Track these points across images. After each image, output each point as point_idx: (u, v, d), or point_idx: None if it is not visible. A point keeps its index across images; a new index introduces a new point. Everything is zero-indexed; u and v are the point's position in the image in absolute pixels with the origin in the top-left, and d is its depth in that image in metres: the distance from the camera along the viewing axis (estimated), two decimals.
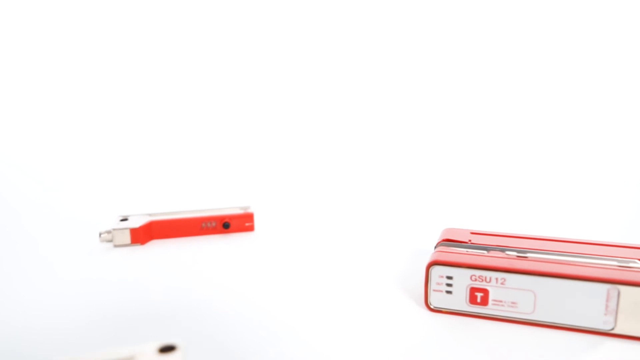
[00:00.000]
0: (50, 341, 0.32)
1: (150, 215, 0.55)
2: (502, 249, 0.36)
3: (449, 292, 0.34)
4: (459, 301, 0.34)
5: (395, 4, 1.01)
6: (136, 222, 0.53)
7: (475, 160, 0.92)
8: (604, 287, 0.31)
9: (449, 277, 0.34)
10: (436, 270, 0.34)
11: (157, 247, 0.51)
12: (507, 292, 0.33)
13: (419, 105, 1.01)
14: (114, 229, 0.51)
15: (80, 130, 0.98)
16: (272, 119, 1.03)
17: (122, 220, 0.53)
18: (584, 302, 0.31)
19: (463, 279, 0.34)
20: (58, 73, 1.00)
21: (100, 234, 0.50)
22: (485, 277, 0.33)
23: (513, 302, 0.33)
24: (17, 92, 0.98)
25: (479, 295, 0.34)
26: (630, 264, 0.33)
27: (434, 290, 0.35)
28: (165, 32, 1.02)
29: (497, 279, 0.33)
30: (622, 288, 0.30)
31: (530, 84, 0.99)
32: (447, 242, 0.38)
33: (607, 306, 0.31)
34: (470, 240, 0.38)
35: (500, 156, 0.93)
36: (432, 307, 0.35)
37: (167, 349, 0.23)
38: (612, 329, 0.31)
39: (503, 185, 0.78)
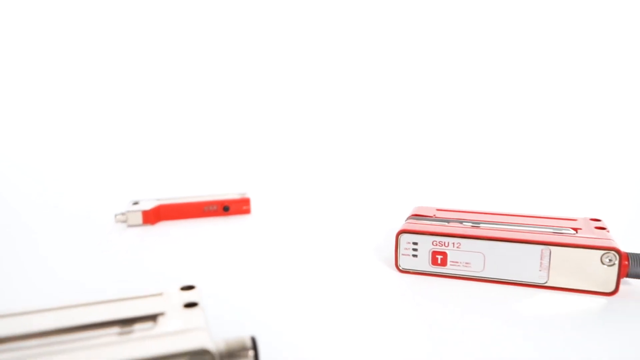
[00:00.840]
0: (82, 292, 0.38)
1: (158, 200, 0.62)
2: (460, 221, 0.43)
3: (414, 255, 0.41)
4: (423, 263, 0.41)
5: None
6: (147, 205, 0.59)
7: (451, 146, 0.99)
8: (538, 248, 0.38)
9: (415, 243, 0.41)
10: (404, 238, 0.41)
11: (166, 227, 0.58)
12: (462, 254, 0.40)
13: (400, 94, 1.08)
14: (127, 211, 0.57)
15: (98, 128, 1.04)
16: (265, 115, 1.09)
17: (134, 204, 0.60)
18: (523, 261, 0.38)
19: (426, 245, 0.40)
20: (63, 68, 1.06)
21: (115, 216, 0.57)
22: (444, 242, 0.40)
23: (467, 263, 0.40)
24: (26, 80, 1.04)
25: (439, 257, 0.40)
26: (563, 231, 0.40)
27: (402, 254, 0.41)
28: (166, 24, 1.08)
29: (453, 243, 0.40)
30: (553, 248, 0.37)
31: (498, 65, 1.06)
32: (415, 216, 0.44)
33: (541, 264, 0.38)
34: (434, 215, 0.45)
35: (475, 142, 1.00)
36: (401, 268, 0.42)
37: (188, 287, 0.29)
38: (546, 282, 0.38)
39: (480, 170, 0.85)
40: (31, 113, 1.04)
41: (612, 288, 0.37)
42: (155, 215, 0.59)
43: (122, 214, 0.57)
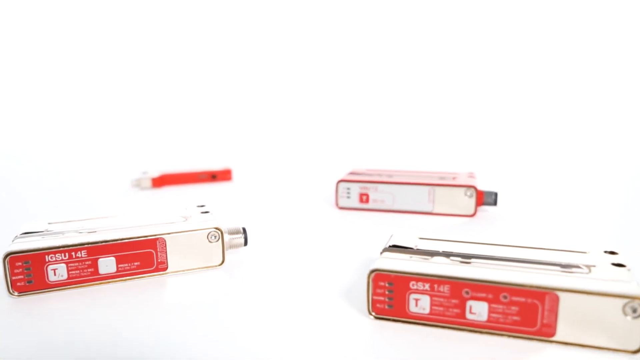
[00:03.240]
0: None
1: (163, 170, 0.80)
2: (380, 174, 0.62)
3: (348, 197, 0.60)
4: (354, 202, 0.60)
5: None
6: (154, 173, 0.77)
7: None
8: (426, 188, 0.57)
9: (348, 188, 0.60)
10: (341, 185, 0.60)
11: (169, 190, 0.76)
12: (378, 194, 0.59)
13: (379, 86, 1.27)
14: (140, 178, 0.75)
15: (118, 115, 1.20)
16: (246, 108, 1.27)
17: (144, 172, 0.77)
18: (418, 197, 0.58)
19: (355, 189, 0.60)
20: (70, 61, 1.21)
21: (131, 181, 0.74)
22: (367, 187, 0.59)
23: (382, 200, 0.59)
24: (41, 68, 1.19)
25: (364, 197, 0.60)
26: (445, 179, 0.60)
27: (340, 196, 0.61)
28: (160, 13, 1.24)
29: (373, 187, 0.59)
30: (436, 188, 0.57)
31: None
32: (351, 173, 0.64)
33: (429, 198, 0.58)
34: (364, 172, 0.64)
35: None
36: (339, 206, 0.61)
37: (201, 206, 0.48)
38: (432, 210, 0.58)
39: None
40: (65, 103, 1.19)
41: (471, 212, 0.57)
42: (160, 181, 0.77)
43: (136, 180, 0.75)
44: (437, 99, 1.22)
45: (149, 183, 0.75)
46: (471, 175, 0.61)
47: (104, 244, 0.38)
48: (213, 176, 0.81)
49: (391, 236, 0.37)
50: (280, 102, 1.27)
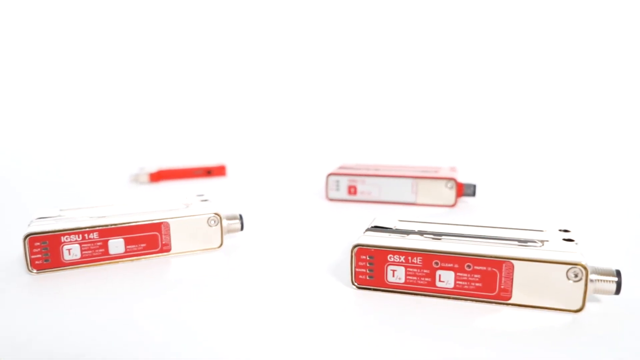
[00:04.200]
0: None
1: (160, 166, 0.84)
2: (367, 168, 0.67)
3: (337, 189, 0.65)
4: (343, 194, 0.65)
5: None
6: (152, 169, 0.81)
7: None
8: (410, 180, 0.62)
9: (337, 181, 0.65)
10: (331, 178, 0.65)
11: (166, 185, 0.80)
12: (365, 186, 0.64)
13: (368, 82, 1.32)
14: (138, 173, 0.79)
15: (118, 114, 1.24)
16: (241, 105, 1.31)
17: (141, 168, 0.82)
18: (402, 189, 0.63)
19: (344, 182, 0.64)
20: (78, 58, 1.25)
21: (129, 176, 0.78)
22: (355, 180, 0.64)
23: (369, 192, 0.64)
24: (45, 65, 1.22)
25: (352, 189, 0.64)
26: (427, 172, 0.64)
27: (330, 189, 0.65)
28: (155, 10, 1.28)
29: (360, 180, 0.64)
30: (419, 180, 0.62)
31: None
32: (341, 167, 0.68)
33: (412, 189, 0.62)
34: (353, 166, 0.69)
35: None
36: (329, 198, 0.66)
37: (200, 195, 0.52)
38: (415, 201, 0.63)
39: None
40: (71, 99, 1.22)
41: (452, 202, 0.62)
42: (158, 176, 0.81)
43: (134, 175, 0.79)
44: (421, 97, 1.27)
45: (146, 178, 0.79)
46: (453, 169, 0.66)
47: (114, 226, 0.42)
48: (208, 172, 0.85)
49: (374, 219, 0.42)
50: (272, 100, 1.31)
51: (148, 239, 0.44)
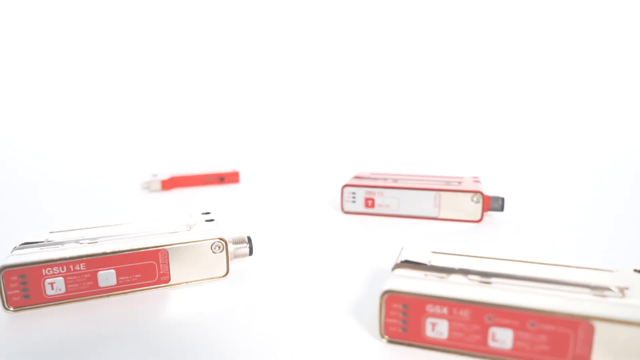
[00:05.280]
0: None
1: (172, 172, 0.75)
2: (385, 178, 0.58)
3: (353, 201, 0.56)
4: (359, 206, 0.56)
5: None
6: (164, 176, 0.72)
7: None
8: (432, 193, 0.53)
9: (354, 193, 0.56)
10: (347, 190, 0.56)
11: (179, 192, 0.71)
12: (384, 199, 0.55)
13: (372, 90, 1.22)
14: (149, 180, 0.70)
15: (126, 120, 1.16)
16: (253, 110, 1.22)
17: (154, 175, 0.73)
18: (423, 202, 0.53)
19: (361, 194, 0.55)
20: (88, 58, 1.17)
21: (141, 184, 0.70)
22: (372, 192, 0.55)
23: (387, 205, 0.55)
24: (57, 67, 1.14)
25: (369, 202, 0.55)
26: (450, 183, 0.55)
27: (345, 201, 0.56)
28: (173, 20, 1.20)
29: (378, 192, 0.55)
30: (442, 193, 0.53)
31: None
32: (356, 177, 0.59)
33: (434, 203, 0.53)
34: (369, 176, 0.59)
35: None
36: (344, 211, 0.57)
37: (206, 213, 0.43)
38: (438, 215, 0.53)
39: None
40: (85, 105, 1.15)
41: (478, 217, 0.52)
42: (170, 184, 0.72)
43: (146, 182, 0.70)
44: (441, 102, 1.17)
45: (158, 185, 0.71)
46: (476, 180, 0.57)
47: (103, 256, 0.34)
48: (221, 178, 0.76)
49: (402, 249, 0.32)
50: (286, 106, 1.22)
51: (144, 268, 0.35)
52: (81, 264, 0.33)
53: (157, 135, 1.14)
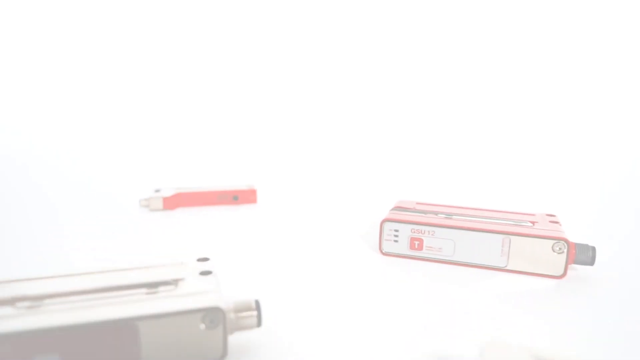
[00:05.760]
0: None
1: (177, 188, 0.65)
2: (436, 212, 0.46)
3: (396, 241, 0.44)
4: (403, 247, 0.44)
5: None
6: (167, 192, 0.62)
7: (433, 147, 1.02)
8: (500, 237, 0.41)
9: (396, 230, 0.44)
10: (387, 225, 0.44)
11: (183, 213, 0.61)
12: (435, 240, 0.43)
13: (390, 95, 1.11)
14: (150, 197, 0.60)
15: (126, 127, 1.07)
16: (270, 118, 1.12)
17: (156, 191, 0.63)
18: (487, 248, 0.41)
19: (406, 232, 0.44)
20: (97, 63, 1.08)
21: (140, 201, 0.60)
22: (421, 230, 0.43)
23: (439, 248, 0.43)
24: (56, 75, 1.07)
25: (416, 243, 0.43)
26: (522, 223, 0.43)
27: (385, 240, 0.44)
28: (185, 29, 1.11)
29: (429, 231, 0.43)
30: (512, 237, 0.41)
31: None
32: (397, 208, 0.47)
33: (502, 250, 0.41)
34: (414, 207, 0.48)
35: (452, 142, 1.03)
36: (383, 252, 0.45)
37: (203, 259, 0.32)
38: (506, 266, 0.41)
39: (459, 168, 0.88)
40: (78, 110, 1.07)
41: (560, 272, 0.40)
42: (174, 202, 0.62)
43: (146, 199, 0.60)
44: (491, 113, 1.05)
45: (160, 203, 0.60)
46: (554, 220, 0.44)
47: (46, 332, 0.23)
48: (235, 197, 0.65)
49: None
50: (314, 114, 1.11)
51: (102, 350, 0.24)
52: (8, 345, 0.23)
53: (163, 143, 1.05)
